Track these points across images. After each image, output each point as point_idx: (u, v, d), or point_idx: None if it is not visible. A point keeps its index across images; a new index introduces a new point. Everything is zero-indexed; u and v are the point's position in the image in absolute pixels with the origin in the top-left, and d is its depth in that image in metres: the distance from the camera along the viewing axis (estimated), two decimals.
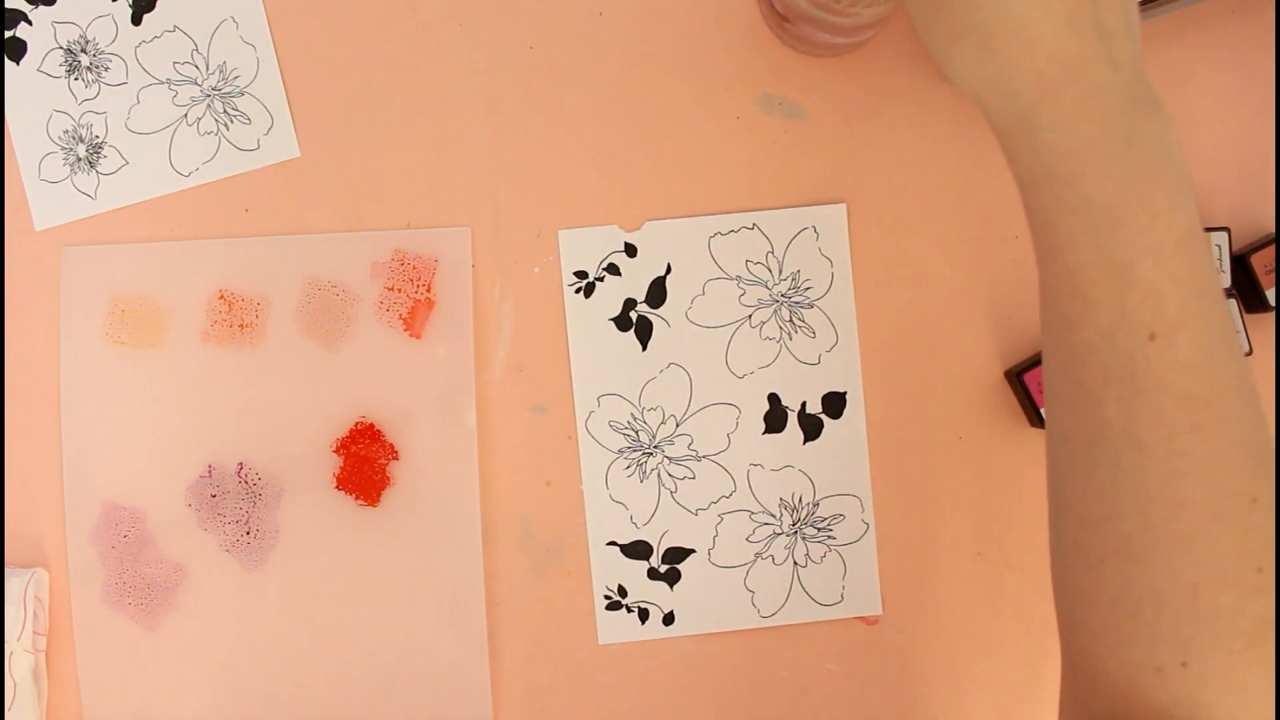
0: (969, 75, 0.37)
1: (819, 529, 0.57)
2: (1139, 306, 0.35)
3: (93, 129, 0.57)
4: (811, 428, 0.57)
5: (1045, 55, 0.35)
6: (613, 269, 0.57)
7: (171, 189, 0.57)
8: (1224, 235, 0.55)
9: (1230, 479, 0.36)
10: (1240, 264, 0.56)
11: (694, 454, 0.57)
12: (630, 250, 0.57)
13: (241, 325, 0.57)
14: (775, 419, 0.57)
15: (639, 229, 0.58)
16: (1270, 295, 0.56)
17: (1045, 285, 0.38)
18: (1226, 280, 0.55)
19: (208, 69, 0.57)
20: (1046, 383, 0.39)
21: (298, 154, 0.57)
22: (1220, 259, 0.56)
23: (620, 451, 0.57)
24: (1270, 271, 0.56)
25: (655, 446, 0.57)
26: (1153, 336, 0.35)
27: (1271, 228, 0.58)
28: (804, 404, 0.57)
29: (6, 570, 0.55)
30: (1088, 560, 0.38)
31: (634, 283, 0.57)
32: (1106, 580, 0.38)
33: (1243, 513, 0.36)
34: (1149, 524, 0.36)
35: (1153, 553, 0.36)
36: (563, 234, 0.57)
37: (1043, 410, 0.55)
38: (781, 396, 0.57)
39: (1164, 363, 0.35)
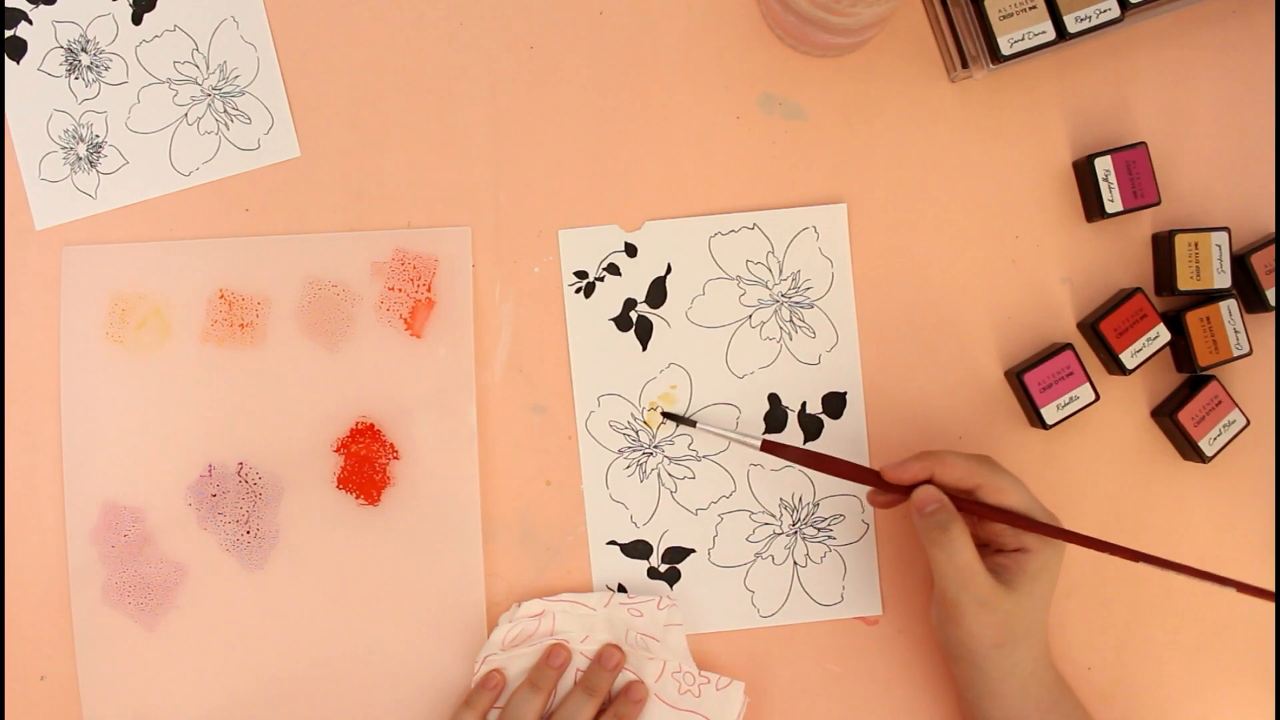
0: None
1: (819, 529, 0.57)
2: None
3: (93, 128, 0.57)
4: (811, 428, 0.57)
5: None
6: (613, 269, 0.57)
7: (171, 189, 0.57)
8: (1224, 235, 0.55)
9: None
10: (1240, 264, 0.56)
11: (694, 454, 0.57)
12: (630, 250, 0.57)
13: (242, 325, 0.57)
14: (775, 419, 0.57)
15: (639, 229, 0.58)
16: (1270, 295, 0.56)
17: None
18: (1227, 280, 0.55)
19: (208, 69, 0.57)
20: None
21: (298, 154, 0.58)
22: (1220, 259, 0.56)
23: (620, 451, 0.57)
24: (1270, 271, 0.56)
25: (655, 446, 0.57)
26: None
27: (1271, 228, 0.58)
28: (804, 404, 0.57)
29: None
30: None
31: (634, 283, 0.57)
32: None
33: None
34: None
35: None
36: (563, 234, 0.57)
37: (1043, 410, 0.55)
38: (781, 396, 0.57)
39: None
